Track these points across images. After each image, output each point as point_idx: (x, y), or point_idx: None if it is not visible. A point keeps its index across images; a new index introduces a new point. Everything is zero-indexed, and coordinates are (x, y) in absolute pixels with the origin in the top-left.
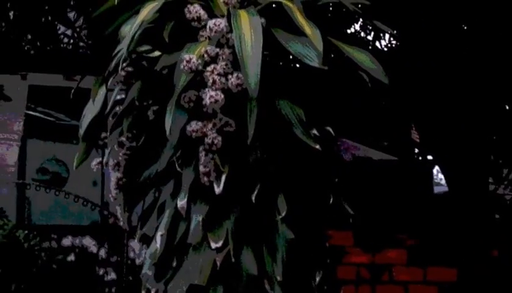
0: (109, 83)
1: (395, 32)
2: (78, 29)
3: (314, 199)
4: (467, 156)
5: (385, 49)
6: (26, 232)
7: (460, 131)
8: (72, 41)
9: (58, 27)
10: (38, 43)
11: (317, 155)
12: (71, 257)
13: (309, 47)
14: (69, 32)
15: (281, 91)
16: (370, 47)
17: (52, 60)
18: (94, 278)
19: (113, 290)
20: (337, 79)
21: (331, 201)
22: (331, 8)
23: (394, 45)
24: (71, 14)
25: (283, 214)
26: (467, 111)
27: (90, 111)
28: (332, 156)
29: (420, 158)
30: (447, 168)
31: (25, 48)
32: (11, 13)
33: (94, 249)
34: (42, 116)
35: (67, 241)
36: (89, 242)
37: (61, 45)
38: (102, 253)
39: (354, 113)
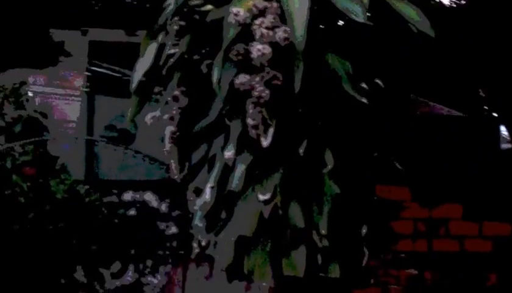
0: (161, 38)
1: None
2: None
3: (361, 154)
4: None
5: (454, 5)
6: (87, 187)
7: None
8: None
9: None
10: None
11: (365, 109)
12: (132, 212)
13: (355, 2)
14: None
15: (329, 45)
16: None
17: (113, 15)
18: (156, 232)
19: (174, 244)
20: (385, 33)
21: (376, 156)
22: None
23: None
24: None
25: (330, 168)
26: None
27: (141, 65)
28: (381, 110)
29: (487, 115)
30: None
31: (86, 3)
32: None
33: (155, 204)
34: (108, 72)
35: (128, 196)
36: (150, 197)
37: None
38: (164, 207)
39: (408, 67)
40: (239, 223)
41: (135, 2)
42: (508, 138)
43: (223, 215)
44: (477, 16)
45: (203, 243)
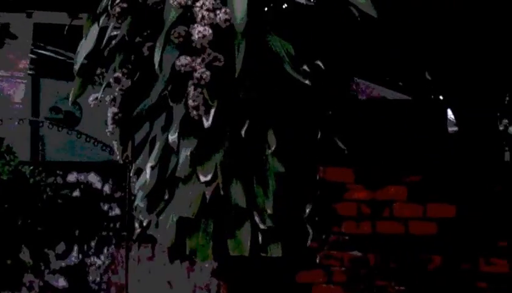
0: (102, 20)
1: None
2: None
3: (304, 134)
4: (477, 95)
5: None
6: (32, 168)
7: (471, 70)
8: None
9: None
10: None
11: (307, 90)
12: (76, 193)
13: None
14: None
15: (271, 26)
16: None
17: None
18: (99, 213)
19: (117, 225)
20: (327, 14)
21: (319, 136)
22: None
23: None
24: None
25: (273, 148)
26: (480, 49)
27: (84, 47)
28: (322, 91)
29: (433, 98)
30: (457, 107)
31: None
32: None
33: (98, 185)
34: (53, 55)
35: (72, 177)
36: (94, 178)
37: None
38: (107, 188)
39: (350, 49)
40: (181, 204)
41: None
42: (454, 121)
43: (165, 195)
44: None
45: (144, 224)
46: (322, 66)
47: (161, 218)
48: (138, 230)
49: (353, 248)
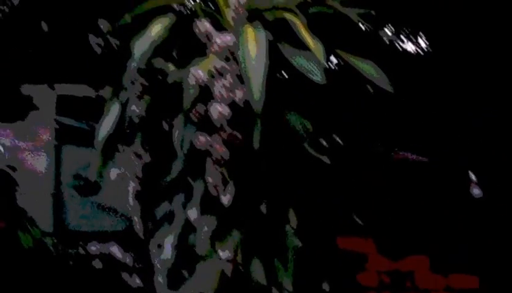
0: (124, 97)
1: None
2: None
3: (324, 209)
4: (502, 159)
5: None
6: (53, 238)
7: (494, 132)
8: (102, 50)
9: (89, 37)
10: (70, 54)
11: (325, 165)
12: (97, 263)
13: (312, 61)
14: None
15: (288, 103)
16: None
17: (81, 71)
18: (120, 284)
19: None
20: (344, 89)
21: (338, 210)
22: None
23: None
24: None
25: (294, 226)
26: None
27: (105, 124)
28: (340, 165)
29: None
30: (481, 170)
31: (56, 59)
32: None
33: (120, 255)
34: (75, 124)
35: (94, 248)
36: (115, 249)
37: (93, 54)
38: (128, 259)
39: (367, 120)
40: (201, 281)
41: (102, 58)
42: (477, 184)
43: (185, 271)
44: (440, 63)
45: None
46: (340, 141)
47: None
48: None
49: None
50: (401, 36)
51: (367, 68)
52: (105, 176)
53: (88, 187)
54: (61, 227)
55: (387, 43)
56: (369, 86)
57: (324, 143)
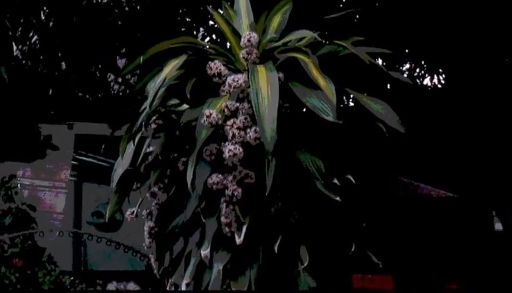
0: (138, 137)
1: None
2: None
3: (336, 247)
4: None
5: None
6: (72, 278)
7: None
8: (121, 88)
9: (108, 75)
10: (89, 92)
11: (338, 204)
12: None
13: (324, 100)
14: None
15: (300, 142)
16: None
17: (98, 110)
18: None
19: None
20: (356, 129)
21: (353, 249)
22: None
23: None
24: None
25: (306, 264)
26: None
27: (121, 165)
28: (354, 205)
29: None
30: (502, 206)
31: (74, 98)
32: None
33: None
34: (94, 161)
35: (112, 286)
36: (133, 287)
37: (112, 92)
38: None
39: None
40: None
41: (120, 94)
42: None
43: None
44: (458, 96)
45: None
46: (353, 180)
47: None
48: None
49: None
50: (417, 73)
51: (378, 107)
52: (125, 215)
53: (108, 223)
54: (81, 266)
55: (401, 80)
56: (382, 126)
57: (337, 181)
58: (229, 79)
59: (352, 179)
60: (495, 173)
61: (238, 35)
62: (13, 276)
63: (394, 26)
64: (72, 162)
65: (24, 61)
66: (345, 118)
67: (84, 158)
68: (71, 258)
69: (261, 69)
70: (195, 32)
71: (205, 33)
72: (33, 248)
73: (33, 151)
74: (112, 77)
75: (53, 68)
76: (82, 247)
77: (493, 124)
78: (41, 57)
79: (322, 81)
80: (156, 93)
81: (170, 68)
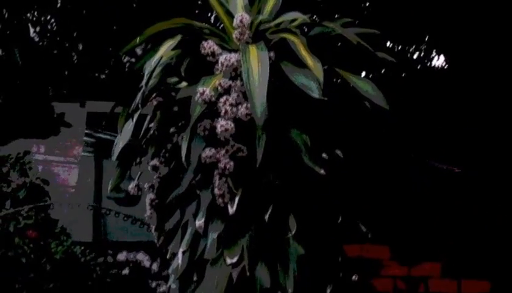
0: (137, 114)
1: None
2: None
3: (324, 218)
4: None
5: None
6: (82, 248)
7: None
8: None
9: (123, 57)
10: (104, 73)
11: (325, 177)
12: (125, 271)
13: (311, 79)
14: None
15: (290, 118)
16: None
17: (109, 89)
18: (147, 290)
19: None
20: (343, 106)
21: (339, 220)
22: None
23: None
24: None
25: (293, 232)
26: None
27: (121, 140)
28: (340, 177)
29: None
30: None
31: (88, 77)
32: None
33: (147, 263)
34: (112, 138)
35: (121, 256)
36: (142, 257)
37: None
38: (155, 267)
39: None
40: (210, 285)
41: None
42: None
43: (195, 277)
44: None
45: None
46: (341, 155)
47: None
48: None
49: None
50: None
51: (364, 85)
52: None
53: (127, 198)
54: (101, 238)
55: (387, 59)
56: (367, 103)
57: (325, 156)
58: (221, 58)
59: (340, 154)
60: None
61: (231, 16)
62: (27, 247)
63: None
64: (86, 138)
65: (40, 43)
66: (334, 96)
67: (102, 135)
68: (91, 230)
69: (252, 49)
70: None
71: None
72: (46, 220)
73: (46, 128)
74: (127, 58)
75: (68, 49)
76: (102, 220)
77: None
78: (58, 38)
79: (309, 60)
80: (152, 72)
81: (166, 48)
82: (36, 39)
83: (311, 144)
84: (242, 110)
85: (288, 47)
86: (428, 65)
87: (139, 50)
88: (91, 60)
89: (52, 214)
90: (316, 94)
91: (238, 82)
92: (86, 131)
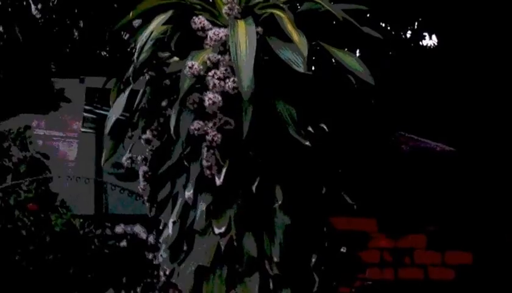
0: (129, 88)
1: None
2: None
3: (309, 189)
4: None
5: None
6: (81, 220)
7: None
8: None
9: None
10: (105, 50)
11: (311, 149)
12: (123, 243)
13: (296, 53)
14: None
15: (277, 92)
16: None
17: (107, 65)
18: (144, 262)
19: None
20: (328, 80)
21: (324, 191)
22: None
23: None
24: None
25: (280, 202)
26: None
27: (113, 113)
28: (325, 150)
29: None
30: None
31: (88, 54)
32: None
33: (143, 236)
34: (106, 113)
35: (119, 228)
36: (139, 229)
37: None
38: (151, 239)
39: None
40: (199, 254)
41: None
42: None
43: (184, 246)
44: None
45: (167, 273)
46: (326, 128)
47: (181, 267)
48: (163, 278)
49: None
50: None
51: (350, 60)
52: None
53: (127, 173)
54: (102, 211)
55: (372, 35)
56: (351, 78)
57: (311, 129)
58: (210, 33)
59: (325, 127)
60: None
61: None
62: (27, 219)
63: None
64: (86, 114)
65: (41, 20)
66: (320, 71)
67: (102, 111)
68: (93, 204)
69: (240, 24)
70: None
71: None
72: (46, 194)
73: (47, 104)
74: (128, 35)
75: (69, 26)
76: (104, 194)
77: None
78: (59, 15)
79: (295, 35)
80: (142, 47)
81: (157, 23)
82: (38, 16)
83: (297, 117)
84: (229, 83)
85: (276, 23)
86: (420, 44)
87: (136, 26)
88: (92, 36)
89: (52, 188)
90: (300, 68)
91: (226, 57)
92: (86, 107)
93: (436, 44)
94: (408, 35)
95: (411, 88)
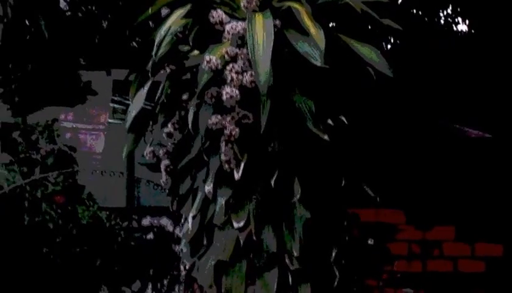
0: (150, 82)
1: None
2: None
3: (329, 182)
4: None
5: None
6: (108, 213)
7: None
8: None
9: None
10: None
11: (329, 142)
12: (150, 236)
13: (314, 46)
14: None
15: (295, 85)
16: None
17: (134, 57)
18: (171, 254)
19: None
20: (347, 73)
21: (343, 184)
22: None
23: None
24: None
25: (298, 196)
26: None
27: (133, 107)
28: (345, 142)
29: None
30: None
31: (117, 45)
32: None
33: (170, 228)
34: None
35: (146, 221)
36: (166, 222)
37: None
38: (178, 231)
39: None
40: (218, 248)
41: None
42: None
43: (204, 241)
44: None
45: (187, 267)
46: (345, 121)
47: (201, 261)
48: (183, 272)
49: (406, 285)
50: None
51: (368, 52)
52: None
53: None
54: (134, 203)
55: (393, 27)
56: (370, 70)
57: (331, 122)
58: (227, 27)
59: (344, 120)
60: None
61: None
62: (54, 212)
63: None
64: (114, 105)
65: (68, 13)
66: (339, 63)
67: (130, 103)
68: (125, 196)
69: (258, 17)
70: None
71: None
72: (73, 186)
73: (73, 97)
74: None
75: (98, 17)
76: (135, 187)
77: None
78: (88, 7)
79: (312, 28)
80: (161, 41)
81: (176, 17)
82: (66, 8)
83: (316, 111)
84: (247, 77)
85: (294, 16)
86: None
87: (164, 16)
88: (120, 27)
89: (79, 180)
90: (318, 62)
91: (244, 50)
92: (114, 97)
93: (468, 29)
94: (442, 22)
95: (445, 76)
